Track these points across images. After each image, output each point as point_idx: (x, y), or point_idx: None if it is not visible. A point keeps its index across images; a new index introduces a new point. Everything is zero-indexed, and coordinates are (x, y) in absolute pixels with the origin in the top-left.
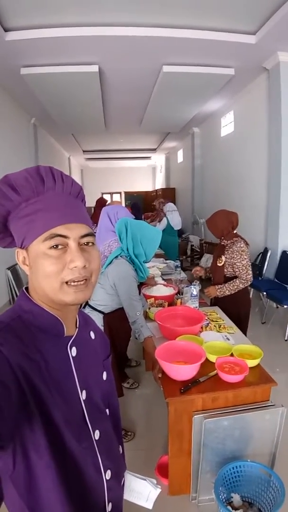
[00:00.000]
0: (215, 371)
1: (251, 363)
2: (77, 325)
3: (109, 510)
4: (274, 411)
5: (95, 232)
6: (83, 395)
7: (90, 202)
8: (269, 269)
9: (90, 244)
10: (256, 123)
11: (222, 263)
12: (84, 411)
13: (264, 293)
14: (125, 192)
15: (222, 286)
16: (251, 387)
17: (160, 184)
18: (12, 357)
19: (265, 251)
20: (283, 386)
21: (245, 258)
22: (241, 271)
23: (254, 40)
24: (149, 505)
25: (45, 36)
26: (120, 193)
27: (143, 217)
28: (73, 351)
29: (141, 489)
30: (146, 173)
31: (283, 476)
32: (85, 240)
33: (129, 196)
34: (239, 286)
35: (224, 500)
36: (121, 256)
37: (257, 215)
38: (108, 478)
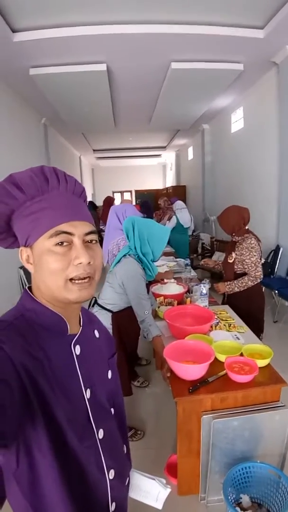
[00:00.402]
0: (224, 371)
1: (261, 363)
2: (81, 324)
3: (113, 509)
4: (284, 412)
5: (103, 231)
6: (87, 394)
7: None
8: (281, 267)
9: (93, 241)
10: (267, 118)
11: (233, 259)
12: (88, 410)
13: (276, 291)
14: (136, 191)
15: (231, 282)
16: (260, 387)
17: (170, 182)
18: (15, 355)
19: (277, 248)
20: None
21: (255, 255)
22: (250, 268)
23: (263, 35)
24: (159, 506)
25: (53, 36)
26: (130, 191)
27: (153, 215)
28: (77, 350)
29: (149, 489)
30: (156, 171)
31: None
32: (89, 237)
33: (139, 194)
34: (248, 283)
35: (233, 501)
36: (129, 255)
37: (269, 212)
38: (111, 477)
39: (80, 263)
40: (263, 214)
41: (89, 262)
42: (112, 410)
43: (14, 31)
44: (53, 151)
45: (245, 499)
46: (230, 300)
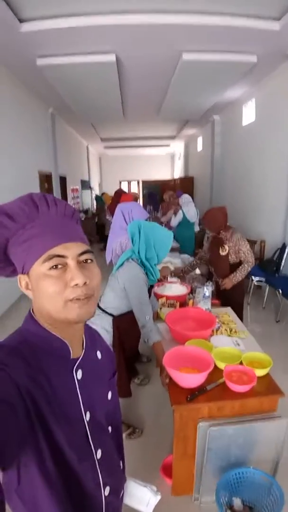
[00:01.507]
0: (222, 379)
1: (260, 372)
2: (84, 346)
3: None
4: (280, 422)
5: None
6: (87, 417)
7: (109, 189)
8: (287, 265)
9: (89, 261)
10: (280, 112)
11: (226, 251)
12: (87, 431)
13: (280, 290)
14: (143, 181)
15: (234, 274)
16: (258, 398)
17: (178, 172)
18: (20, 380)
19: (283, 246)
20: None
21: (247, 243)
22: (246, 255)
23: (278, 27)
24: (149, 511)
25: (60, 26)
26: (138, 181)
27: (160, 208)
28: (79, 374)
29: (141, 495)
30: (164, 161)
31: (284, 484)
32: (83, 257)
33: (146, 185)
34: (247, 269)
35: (225, 503)
36: (132, 259)
37: (278, 209)
38: (106, 494)
39: (76, 284)
40: (271, 211)
41: (85, 283)
42: (110, 428)
43: (21, 21)
44: (60, 140)
45: (237, 502)
46: (219, 293)
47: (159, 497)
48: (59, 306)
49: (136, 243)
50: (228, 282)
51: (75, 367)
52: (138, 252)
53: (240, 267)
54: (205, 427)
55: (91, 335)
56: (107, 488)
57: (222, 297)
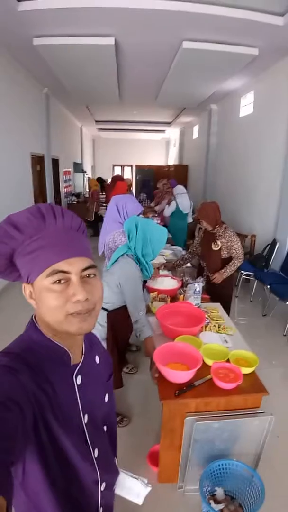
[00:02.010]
0: (210, 376)
1: (246, 370)
2: (83, 352)
3: None
4: (263, 418)
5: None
6: (85, 419)
7: (101, 174)
8: (276, 261)
9: (92, 276)
10: (277, 107)
11: (219, 247)
12: (85, 433)
13: (268, 286)
14: (137, 166)
15: (225, 269)
16: (243, 395)
17: (173, 159)
18: (28, 385)
19: (274, 242)
20: (277, 379)
21: (239, 240)
22: (237, 251)
23: (282, 22)
24: (140, 502)
25: (59, 6)
26: (131, 166)
27: (153, 195)
28: (78, 380)
29: (132, 487)
30: (159, 146)
31: (265, 476)
32: (86, 272)
33: (140, 170)
34: (237, 265)
35: (208, 493)
36: (127, 255)
37: (269, 204)
38: (102, 489)
39: (77, 300)
40: (262, 206)
41: (87, 299)
42: (105, 427)
43: (19, 0)
44: (54, 120)
45: (220, 492)
46: (209, 288)
47: (149, 489)
48: (60, 319)
49: (133, 240)
50: (219, 277)
51: (75, 373)
52: (134, 248)
53: (231, 262)
54: (192, 421)
55: (90, 340)
56: (104, 484)
57: (211, 291)
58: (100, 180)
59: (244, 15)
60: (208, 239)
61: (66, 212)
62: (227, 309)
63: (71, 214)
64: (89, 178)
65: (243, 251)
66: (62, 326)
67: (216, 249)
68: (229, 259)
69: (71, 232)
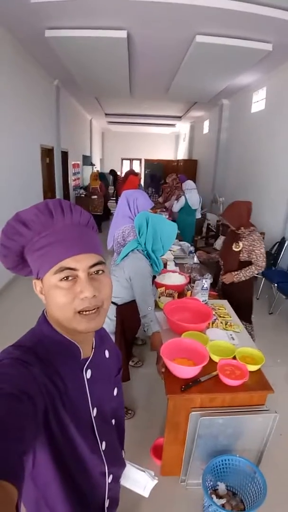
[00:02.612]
0: (216, 372)
1: (252, 368)
2: (93, 346)
3: (107, 505)
4: (267, 416)
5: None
6: (94, 412)
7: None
8: (284, 259)
9: (100, 272)
10: None
11: (240, 248)
12: (94, 426)
13: (275, 284)
14: (146, 160)
15: (238, 272)
16: (248, 392)
17: (182, 154)
18: (39, 378)
19: (283, 240)
20: (282, 378)
21: (263, 247)
22: (258, 258)
23: None
24: (146, 494)
25: None
26: (140, 160)
27: (161, 189)
28: (88, 374)
29: (139, 479)
30: (168, 140)
31: (267, 473)
32: (94, 269)
33: (149, 164)
34: (254, 272)
35: (210, 487)
36: (137, 250)
37: (279, 202)
38: (110, 481)
39: (85, 297)
40: (273, 203)
41: (94, 295)
42: (113, 421)
43: None
44: (64, 113)
45: (221, 487)
46: (225, 290)
47: (156, 481)
48: (68, 316)
49: (143, 235)
50: (229, 277)
51: (85, 367)
52: (145, 244)
53: (248, 267)
54: (197, 416)
55: (100, 334)
56: (111, 476)
57: (228, 295)
58: (113, 173)
59: (258, 10)
60: (232, 238)
61: (74, 208)
62: (246, 316)
63: (80, 209)
64: (93, 171)
65: (265, 259)
66: (70, 324)
67: (236, 249)
68: (248, 263)
69: (79, 228)
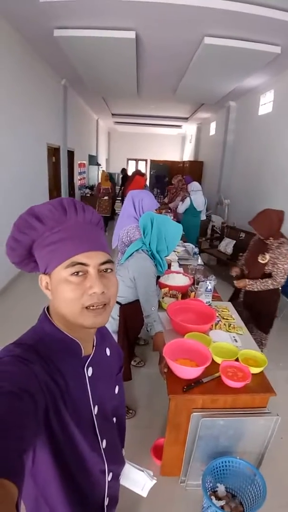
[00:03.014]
0: (218, 373)
1: (255, 370)
2: (94, 344)
3: (106, 503)
4: (269, 418)
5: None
6: (95, 410)
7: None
8: None
9: (109, 270)
10: None
11: (266, 260)
12: (95, 424)
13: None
14: (151, 161)
15: (254, 281)
16: (250, 394)
17: (188, 155)
18: (41, 376)
19: None
20: (283, 381)
21: (287, 263)
22: (278, 273)
23: None
24: (144, 494)
25: None
26: (146, 160)
27: (166, 190)
28: (89, 371)
29: (138, 479)
30: (175, 142)
31: (267, 475)
32: (104, 267)
33: (155, 165)
34: (269, 286)
35: (209, 489)
36: (142, 250)
37: (287, 204)
38: (109, 479)
39: (94, 293)
40: (279, 206)
41: (103, 292)
42: (114, 419)
43: None
44: (71, 112)
45: (221, 489)
46: (247, 298)
47: (154, 482)
48: (75, 311)
49: (148, 236)
50: (242, 284)
51: (86, 364)
52: (149, 244)
53: (264, 280)
54: (198, 417)
55: (101, 332)
56: (111, 474)
57: (251, 305)
58: (124, 172)
59: (267, 13)
60: (258, 247)
61: (87, 207)
62: (264, 327)
63: (92, 209)
64: (103, 171)
65: (285, 276)
66: (76, 319)
67: (262, 262)
68: (269, 275)
69: (90, 227)
